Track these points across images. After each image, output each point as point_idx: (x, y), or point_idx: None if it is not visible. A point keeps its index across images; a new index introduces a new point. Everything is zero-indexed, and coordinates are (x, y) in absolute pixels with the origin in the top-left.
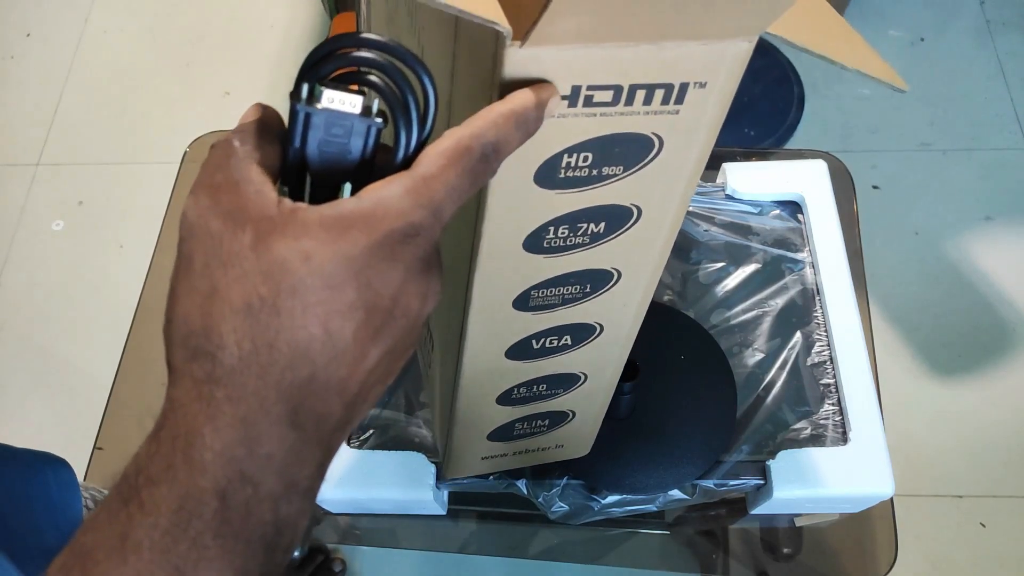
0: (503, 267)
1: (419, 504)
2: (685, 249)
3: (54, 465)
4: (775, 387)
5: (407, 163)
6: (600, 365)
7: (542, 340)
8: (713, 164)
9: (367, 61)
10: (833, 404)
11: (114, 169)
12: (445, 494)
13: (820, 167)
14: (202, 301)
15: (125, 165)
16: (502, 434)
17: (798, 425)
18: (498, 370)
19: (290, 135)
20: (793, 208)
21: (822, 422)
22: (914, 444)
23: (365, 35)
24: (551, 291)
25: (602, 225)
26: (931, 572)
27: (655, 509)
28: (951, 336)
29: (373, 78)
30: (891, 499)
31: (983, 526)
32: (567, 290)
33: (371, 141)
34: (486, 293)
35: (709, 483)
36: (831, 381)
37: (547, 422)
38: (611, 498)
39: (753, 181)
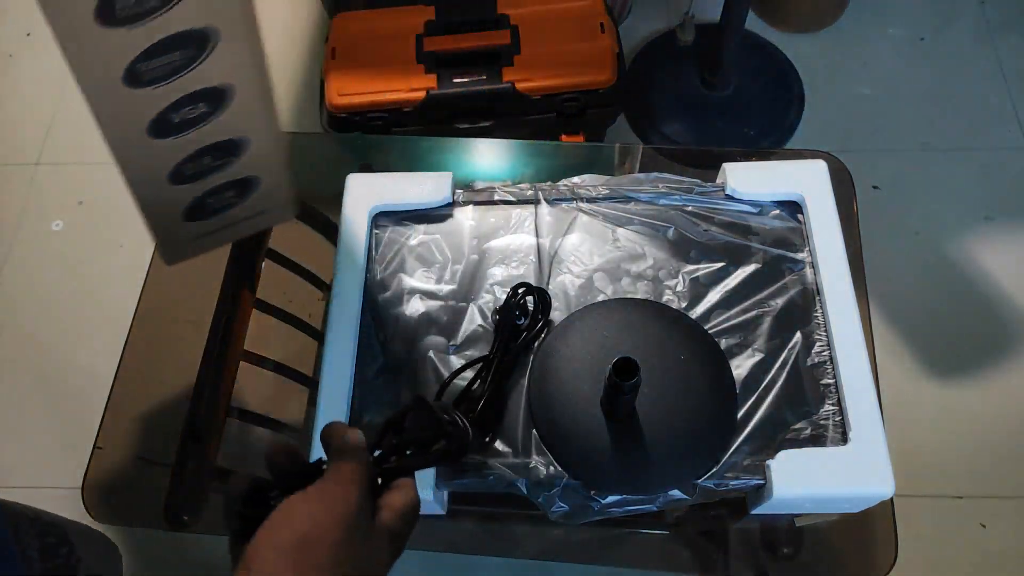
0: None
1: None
2: (685, 249)
3: None
4: (775, 387)
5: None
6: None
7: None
8: (713, 164)
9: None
10: (833, 404)
11: (114, 169)
12: (445, 494)
13: (820, 167)
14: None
15: None
16: (197, 213)
17: (798, 425)
18: (147, 152)
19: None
20: (793, 208)
21: (822, 422)
22: (914, 444)
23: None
24: None
25: None
26: (931, 572)
27: (655, 509)
28: (951, 336)
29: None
30: (891, 499)
31: (983, 526)
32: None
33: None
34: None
35: (709, 483)
36: (831, 381)
37: (234, 192)
38: (611, 498)
39: (753, 181)
